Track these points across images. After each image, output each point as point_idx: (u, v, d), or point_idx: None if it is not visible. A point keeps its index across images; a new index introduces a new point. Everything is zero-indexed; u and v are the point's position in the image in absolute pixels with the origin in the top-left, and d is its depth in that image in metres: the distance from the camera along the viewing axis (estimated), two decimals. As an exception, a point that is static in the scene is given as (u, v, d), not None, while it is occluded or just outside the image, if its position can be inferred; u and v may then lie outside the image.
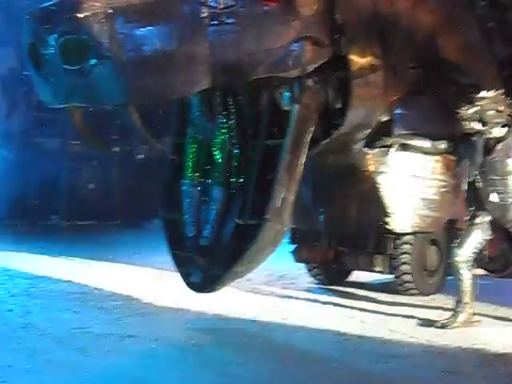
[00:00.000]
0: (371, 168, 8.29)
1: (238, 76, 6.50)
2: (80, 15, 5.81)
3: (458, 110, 7.00)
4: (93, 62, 5.82)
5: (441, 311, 7.64)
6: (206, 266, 6.94)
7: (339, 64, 7.04)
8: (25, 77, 14.31)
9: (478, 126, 6.99)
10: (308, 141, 6.91)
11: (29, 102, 15.39)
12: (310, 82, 7.02)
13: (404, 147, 7.38)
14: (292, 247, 9.23)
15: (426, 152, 7.59)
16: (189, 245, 7.05)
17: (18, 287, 8.69)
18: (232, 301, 7.94)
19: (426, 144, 7.43)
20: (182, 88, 6.28)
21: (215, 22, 6.21)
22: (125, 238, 14.07)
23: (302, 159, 6.88)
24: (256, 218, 6.73)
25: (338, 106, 7.40)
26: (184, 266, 7.07)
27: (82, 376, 5.37)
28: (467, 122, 6.98)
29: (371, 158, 8.11)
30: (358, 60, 7.09)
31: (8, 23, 14.26)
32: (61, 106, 6.29)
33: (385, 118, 7.76)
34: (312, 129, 6.97)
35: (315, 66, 6.81)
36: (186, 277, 7.07)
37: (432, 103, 8.32)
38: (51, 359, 5.79)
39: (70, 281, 9.15)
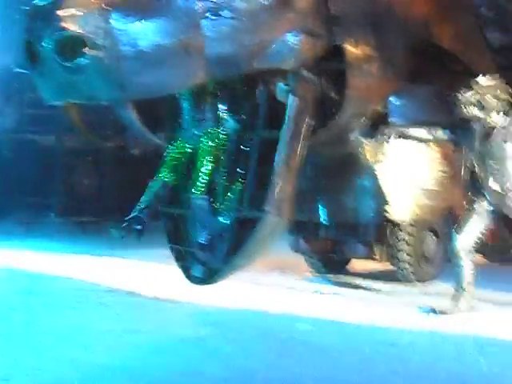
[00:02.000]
0: (368, 157, 8.31)
1: (234, 69, 6.50)
2: (75, 11, 5.81)
3: (456, 96, 7.00)
4: (88, 58, 5.82)
5: (440, 298, 7.68)
6: (206, 259, 6.96)
7: (334, 55, 7.04)
8: (18, 73, 14.33)
9: (475, 111, 7.00)
10: (305, 132, 6.92)
11: (22, 99, 15.31)
12: (305, 74, 7.02)
13: (401, 136, 7.38)
14: (291, 238, 9.25)
15: (423, 141, 7.60)
16: (188, 239, 7.07)
17: (19, 285, 8.68)
18: (232, 292, 7.96)
19: (422, 132, 7.44)
20: (178, 82, 6.30)
21: (210, 15, 6.21)
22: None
23: (299, 150, 6.89)
24: (255, 211, 6.75)
25: (334, 96, 7.42)
26: (184, 260, 7.08)
27: (86, 372, 5.37)
28: (465, 108, 6.99)
29: (368, 147, 8.13)
30: (353, 50, 7.09)
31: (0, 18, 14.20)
32: (58, 103, 6.29)
33: (381, 108, 7.77)
34: (308, 120, 6.98)
35: (310, 57, 6.80)
36: (186, 270, 7.09)
37: (428, 92, 8.34)
38: (54, 356, 5.79)
39: (69, 277, 9.15)
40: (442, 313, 7.05)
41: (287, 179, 6.80)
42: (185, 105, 6.93)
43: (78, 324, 6.82)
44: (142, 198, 6.94)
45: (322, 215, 8.72)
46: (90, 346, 6.09)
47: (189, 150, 6.94)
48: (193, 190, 6.80)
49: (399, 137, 7.40)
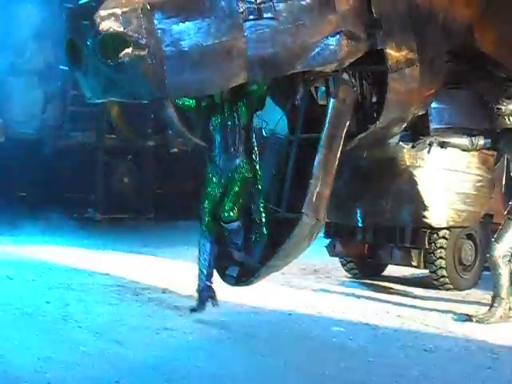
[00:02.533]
0: (407, 162, 8.27)
1: (275, 71, 6.51)
2: (118, 11, 5.87)
3: (498, 106, 6.95)
4: (131, 57, 5.86)
5: (477, 306, 7.62)
6: (242, 260, 6.98)
7: (375, 58, 7.02)
8: (60, 70, 14.49)
9: (517, 121, 6.94)
10: (344, 135, 6.91)
11: (64, 96, 15.48)
12: (346, 77, 7.01)
13: (443, 145, 7.31)
14: (327, 241, 9.24)
15: (465, 150, 7.53)
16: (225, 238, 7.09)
17: (56, 280, 8.76)
18: (267, 294, 7.96)
19: (464, 141, 7.37)
20: (219, 82, 6.32)
21: (252, 17, 6.23)
22: (160, 231, 14.14)
23: (338, 153, 6.88)
24: (292, 213, 6.75)
25: (374, 100, 7.40)
26: (220, 260, 7.11)
27: (119, 368, 5.42)
28: (508, 118, 6.94)
29: (407, 152, 8.10)
30: (394, 54, 7.05)
31: (44, 16, 14.36)
32: (100, 101, 6.35)
33: (421, 113, 7.72)
34: (348, 123, 6.96)
35: (352, 60, 6.79)
36: (221, 271, 7.11)
37: (469, 98, 8.28)
38: (89, 351, 5.84)
39: (106, 274, 9.22)
40: (478, 321, 6.99)
41: (325, 182, 6.79)
42: (217, 137, 6.95)
43: (114, 320, 6.88)
44: (202, 259, 7.04)
45: (360, 219, 8.70)
46: (125, 341, 6.14)
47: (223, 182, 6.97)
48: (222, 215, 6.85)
49: (441, 146, 7.32)
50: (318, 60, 6.57)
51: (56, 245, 11.57)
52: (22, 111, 14.93)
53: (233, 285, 7.09)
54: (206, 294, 7.06)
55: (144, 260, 10.55)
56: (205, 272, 7.04)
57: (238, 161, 6.93)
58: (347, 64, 6.80)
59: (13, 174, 14.27)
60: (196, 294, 7.14)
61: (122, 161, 16.19)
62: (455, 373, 5.51)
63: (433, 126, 8.01)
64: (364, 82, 7.37)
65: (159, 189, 16.03)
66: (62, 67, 14.25)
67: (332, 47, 6.59)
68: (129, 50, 5.85)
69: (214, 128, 6.97)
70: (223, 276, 7.11)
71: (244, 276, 6.97)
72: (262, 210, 6.97)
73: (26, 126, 15.00)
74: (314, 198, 6.68)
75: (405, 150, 8.11)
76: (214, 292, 7.11)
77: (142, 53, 5.86)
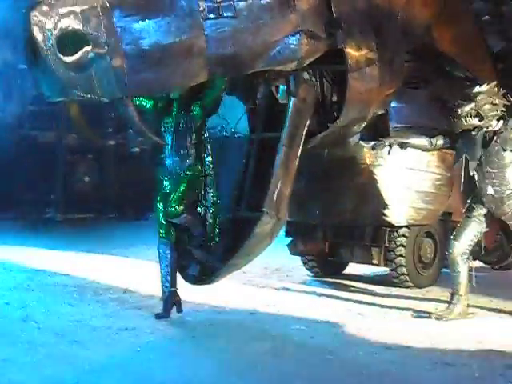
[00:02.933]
0: (367, 161, 8.34)
1: (235, 69, 6.51)
2: (77, 8, 5.82)
3: (455, 109, 7.03)
4: (90, 55, 5.83)
5: (436, 303, 7.70)
6: (203, 259, 6.98)
7: (336, 57, 7.06)
8: (19, 70, 14.37)
9: (475, 121, 7.03)
10: (304, 134, 6.94)
11: (23, 95, 15.36)
12: (306, 76, 7.04)
13: (402, 145, 7.37)
14: (288, 240, 9.27)
15: (424, 150, 7.60)
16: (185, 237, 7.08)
17: (15, 280, 8.70)
18: (228, 293, 7.97)
19: (423, 142, 7.43)
20: (179, 81, 6.30)
21: (213, 15, 6.22)
22: (121, 231, 14.08)
23: (299, 152, 6.91)
24: (253, 211, 6.77)
25: (334, 99, 7.44)
26: (180, 259, 7.09)
27: (80, 369, 5.39)
28: (465, 119, 7.02)
29: (367, 151, 8.16)
30: (353, 53, 7.08)
31: (1, 15, 14.22)
32: (59, 100, 6.29)
33: (381, 112, 7.79)
34: (308, 122, 6.99)
35: (312, 59, 6.82)
36: (182, 269, 7.10)
37: (428, 97, 8.37)
38: (50, 352, 5.81)
39: (67, 274, 9.17)
40: (438, 318, 7.06)
41: (286, 181, 6.81)
42: (168, 138, 6.95)
43: (74, 320, 6.84)
44: (163, 266, 7.01)
45: (320, 218, 8.74)
46: (86, 342, 6.11)
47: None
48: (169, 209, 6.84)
49: (400, 147, 7.38)
50: (279, 59, 6.59)
51: (15, 246, 11.46)
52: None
53: (193, 283, 7.09)
54: (170, 301, 7.04)
55: (105, 260, 10.50)
56: (168, 278, 7.02)
57: (188, 162, 6.93)
58: (307, 63, 6.82)
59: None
60: (159, 296, 7.11)
61: (83, 160, 16.11)
62: (414, 369, 5.56)
63: (392, 124, 8.10)
64: (324, 81, 7.41)
65: (120, 188, 15.97)
66: (21, 66, 14.14)
67: (292, 46, 6.61)
68: (88, 48, 5.81)
69: (166, 129, 6.98)
70: (184, 275, 7.10)
71: (205, 275, 6.97)
72: (213, 209, 6.98)
73: (-15, 125, 14.87)
74: (275, 197, 6.70)
75: (365, 149, 8.18)
76: (179, 297, 7.09)
77: (102, 51, 5.82)
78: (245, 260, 7.00)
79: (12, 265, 9.70)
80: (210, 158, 7.05)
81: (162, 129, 6.99)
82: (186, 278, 7.09)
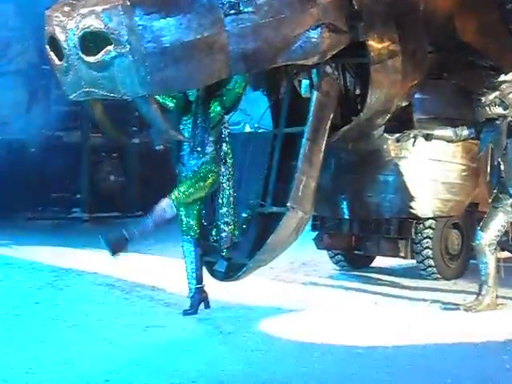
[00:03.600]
0: (392, 153, 8.31)
1: (257, 65, 6.50)
2: (99, 8, 5.85)
3: (479, 97, 6.98)
4: (112, 54, 5.85)
5: (464, 295, 7.65)
6: (230, 255, 6.99)
7: (358, 50, 7.03)
8: (44, 70, 14.45)
9: (500, 110, 6.97)
10: (328, 127, 6.92)
11: (48, 96, 15.45)
12: (329, 69, 7.01)
13: (427, 137, 7.33)
14: (314, 234, 9.26)
15: (449, 141, 7.55)
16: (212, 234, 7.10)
17: (44, 280, 8.76)
18: (255, 289, 7.98)
19: (448, 133, 7.39)
20: (202, 78, 6.28)
21: (233, 11, 6.22)
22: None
23: (323, 146, 6.89)
24: (278, 206, 6.76)
25: (358, 92, 7.41)
26: (208, 256, 7.11)
27: (110, 367, 5.42)
28: (489, 108, 6.97)
29: (392, 144, 8.12)
30: (376, 46, 7.05)
31: (26, 17, 14.32)
32: (81, 99, 6.31)
33: (404, 104, 7.74)
34: (332, 115, 6.97)
35: (334, 52, 6.78)
36: (209, 266, 7.12)
37: (452, 88, 8.31)
38: (79, 350, 5.84)
39: (94, 272, 9.22)
40: (466, 310, 7.02)
41: (311, 175, 6.79)
42: (186, 135, 6.96)
43: (103, 318, 6.87)
44: (188, 262, 7.06)
45: (346, 212, 8.72)
46: (114, 340, 6.14)
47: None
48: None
49: (425, 139, 7.34)
50: (300, 53, 6.56)
51: (43, 245, 11.53)
52: (7, 112, 14.89)
53: (221, 280, 7.09)
54: (198, 297, 7.05)
55: (132, 258, 10.52)
56: (194, 275, 7.04)
57: (204, 159, 6.92)
58: (329, 56, 6.79)
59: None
60: (186, 294, 7.12)
61: (108, 159, 16.18)
62: (443, 362, 5.53)
63: (416, 116, 8.05)
64: (347, 74, 7.38)
65: (145, 186, 16.02)
66: (45, 67, 14.23)
67: (314, 40, 6.57)
68: (110, 47, 5.83)
69: (185, 127, 6.98)
70: (211, 271, 7.11)
71: (232, 271, 6.98)
72: (230, 207, 6.98)
73: (11, 126, 14.97)
74: (300, 192, 6.69)
75: (389, 142, 8.14)
76: (206, 294, 7.11)
77: (124, 50, 5.84)
78: (271, 256, 6.99)
79: (40, 264, 9.76)
80: (229, 156, 7.04)
81: (181, 126, 7.00)
82: (214, 275, 7.10)
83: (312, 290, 8.30)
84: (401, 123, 7.79)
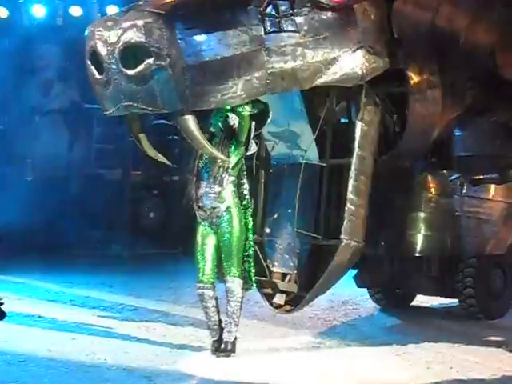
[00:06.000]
0: (433, 191, 8.23)
1: (295, 84, 6.46)
2: (140, 22, 5.87)
3: None
4: (152, 67, 5.84)
5: (509, 334, 7.52)
6: (285, 289, 7.01)
7: (396, 79, 6.98)
8: (86, 109, 14.66)
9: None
10: (373, 156, 6.86)
11: (90, 134, 15.64)
12: (370, 98, 6.91)
13: (473, 184, 7.26)
14: (354, 272, 9.18)
15: (498, 183, 7.47)
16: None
17: (82, 316, 8.74)
18: (295, 327, 7.90)
19: (496, 177, 7.31)
20: (240, 93, 6.18)
21: (274, 29, 6.23)
22: (187, 266, 14.09)
23: (370, 174, 6.83)
24: (331, 238, 6.76)
25: (395, 123, 7.30)
26: (266, 289, 7.15)
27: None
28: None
29: (433, 181, 8.05)
30: (415, 74, 6.98)
31: (68, 57, 14.55)
32: (120, 114, 6.28)
33: (444, 137, 7.66)
34: (376, 143, 6.91)
35: (373, 75, 6.71)
36: (268, 298, 7.14)
37: (493, 124, 8.23)
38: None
39: (134, 309, 9.20)
40: (510, 350, 6.90)
41: (360, 204, 6.76)
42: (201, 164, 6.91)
43: (143, 356, 6.82)
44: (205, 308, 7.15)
45: (386, 249, 8.64)
46: (154, 378, 6.10)
47: None
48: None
49: (473, 185, 7.26)
50: (339, 74, 6.52)
51: (81, 284, 11.50)
52: (49, 150, 15.08)
53: (281, 312, 7.14)
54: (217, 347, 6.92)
55: (170, 294, 10.50)
56: (214, 321, 6.98)
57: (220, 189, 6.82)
58: (368, 79, 6.70)
59: (39, 212, 14.32)
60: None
61: (148, 196, 16.28)
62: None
63: (457, 153, 7.98)
64: (386, 103, 7.31)
65: (185, 223, 16.05)
66: (87, 105, 14.43)
67: (353, 62, 6.55)
68: (150, 61, 5.83)
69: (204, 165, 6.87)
70: (269, 303, 7.15)
71: (288, 303, 7.03)
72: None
73: (53, 164, 15.15)
74: (352, 222, 6.67)
75: (430, 179, 8.08)
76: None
77: (164, 63, 5.83)
78: (327, 287, 7.00)
79: (78, 301, 9.76)
80: (246, 191, 6.93)
81: (201, 164, 6.92)
82: (273, 307, 7.11)
83: (351, 328, 8.21)
84: (440, 159, 7.73)
